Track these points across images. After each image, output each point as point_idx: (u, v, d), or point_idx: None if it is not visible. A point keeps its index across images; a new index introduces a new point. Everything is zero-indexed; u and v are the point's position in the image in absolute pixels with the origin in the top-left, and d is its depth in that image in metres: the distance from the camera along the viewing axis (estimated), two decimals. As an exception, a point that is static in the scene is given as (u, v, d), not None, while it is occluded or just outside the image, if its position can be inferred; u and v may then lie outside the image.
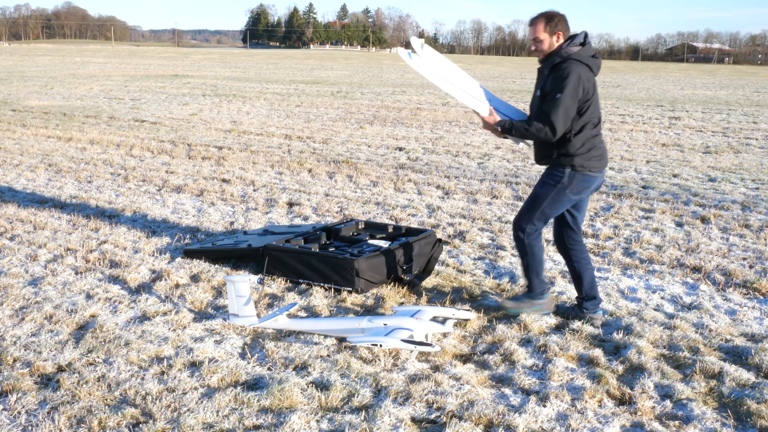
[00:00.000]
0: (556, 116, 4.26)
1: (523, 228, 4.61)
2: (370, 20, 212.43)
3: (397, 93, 26.28)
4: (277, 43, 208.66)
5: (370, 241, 5.87)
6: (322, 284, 5.27)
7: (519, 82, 37.57)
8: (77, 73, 35.63)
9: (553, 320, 4.77)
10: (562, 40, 4.37)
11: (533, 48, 4.46)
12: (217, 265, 5.81)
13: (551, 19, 4.36)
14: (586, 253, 4.77)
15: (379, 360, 4.09)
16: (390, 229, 6.19)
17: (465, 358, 4.17)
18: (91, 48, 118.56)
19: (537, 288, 4.73)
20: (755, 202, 8.57)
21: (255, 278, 4.53)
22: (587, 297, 4.71)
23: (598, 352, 4.24)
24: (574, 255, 4.73)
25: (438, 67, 4.66)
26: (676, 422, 3.49)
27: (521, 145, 5.04)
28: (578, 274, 4.71)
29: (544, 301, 4.75)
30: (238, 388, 3.75)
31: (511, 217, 7.46)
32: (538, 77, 4.56)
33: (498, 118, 4.56)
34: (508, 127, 4.47)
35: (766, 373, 4.02)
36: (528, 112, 4.63)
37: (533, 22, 4.42)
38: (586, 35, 4.38)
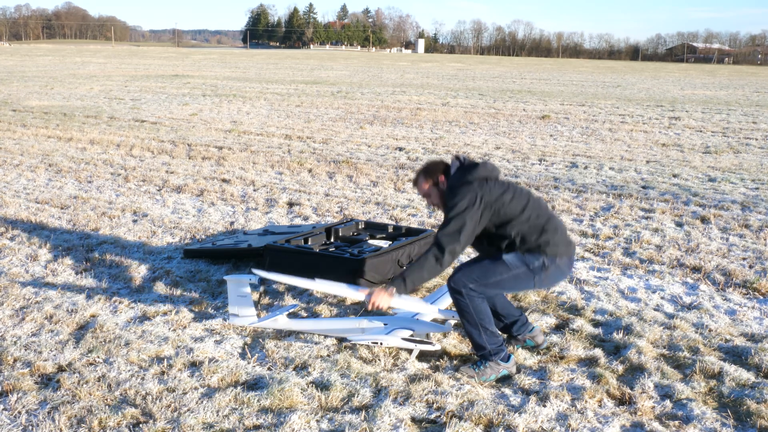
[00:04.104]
0: (444, 232, 3.86)
1: (467, 286, 3.90)
2: (370, 20, 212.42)
3: (397, 93, 26.29)
4: (277, 43, 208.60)
5: (370, 241, 5.87)
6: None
7: (519, 82, 37.55)
8: (77, 73, 35.64)
9: (552, 320, 4.77)
10: (444, 179, 4.05)
11: (428, 205, 4.05)
12: (217, 265, 5.82)
13: (427, 172, 4.09)
14: None
15: (379, 360, 4.10)
16: (390, 229, 6.19)
17: (465, 358, 4.18)
18: (92, 48, 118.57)
19: (490, 344, 3.92)
20: (755, 202, 8.57)
21: (255, 278, 4.53)
22: (510, 323, 4.25)
23: (598, 352, 4.25)
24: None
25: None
26: (676, 422, 3.49)
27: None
28: (491, 303, 4.12)
29: (509, 364, 3.95)
30: (238, 388, 3.75)
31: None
32: None
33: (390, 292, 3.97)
34: (401, 279, 3.95)
35: (766, 373, 4.02)
36: None
37: (414, 183, 4.15)
38: (459, 158, 4.05)
